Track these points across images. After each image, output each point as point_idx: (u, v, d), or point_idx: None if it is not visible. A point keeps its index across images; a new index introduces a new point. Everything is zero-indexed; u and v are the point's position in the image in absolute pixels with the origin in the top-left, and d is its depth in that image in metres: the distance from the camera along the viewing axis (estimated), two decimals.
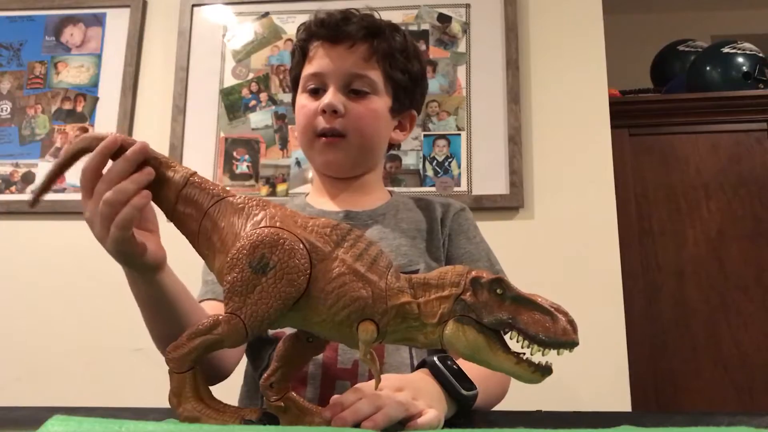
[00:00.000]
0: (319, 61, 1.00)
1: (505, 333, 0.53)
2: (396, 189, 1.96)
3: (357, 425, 0.59)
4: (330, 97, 0.97)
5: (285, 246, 0.54)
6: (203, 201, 0.60)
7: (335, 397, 0.63)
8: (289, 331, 0.90)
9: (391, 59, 1.02)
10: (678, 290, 2.05)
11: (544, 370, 0.52)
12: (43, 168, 2.13)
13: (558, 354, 0.51)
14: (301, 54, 1.04)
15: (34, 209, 2.07)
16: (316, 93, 1.00)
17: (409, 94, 1.07)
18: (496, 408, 0.93)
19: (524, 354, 0.53)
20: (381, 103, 1.02)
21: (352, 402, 0.61)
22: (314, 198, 1.09)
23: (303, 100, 1.02)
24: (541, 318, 0.51)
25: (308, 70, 1.02)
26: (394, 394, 0.65)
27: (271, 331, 0.94)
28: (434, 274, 0.56)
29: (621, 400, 1.78)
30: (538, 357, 0.52)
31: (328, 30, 1.00)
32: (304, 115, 1.01)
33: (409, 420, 0.63)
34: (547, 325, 0.51)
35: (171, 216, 0.62)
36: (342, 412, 0.60)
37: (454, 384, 0.74)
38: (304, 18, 2.28)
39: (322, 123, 0.98)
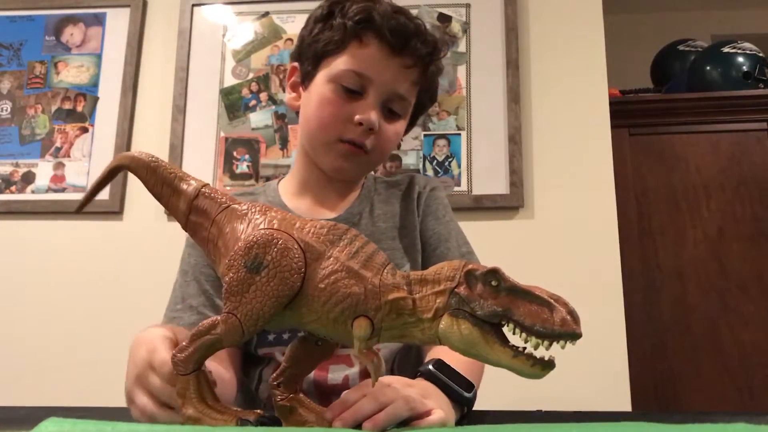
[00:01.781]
0: (369, 63, 0.89)
1: (503, 326, 0.51)
2: None
3: (359, 425, 0.58)
4: (373, 114, 0.89)
5: (279, 245, 0.55)
6: (211, 210, 0.63)
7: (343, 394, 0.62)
8: (278, 355, 0.89)
9: (430, 87, 0.98)
10: (678, 290, 2.05)
11: (545, 365, 0.50)
12: (43, 167, 2.13)
13: (561, 348, 0.49)
14: (348, 35, 0.90)
15: (36, 209, 2.08)
16: (351, 93, 0.90)
17: (422, 115, 1.04)
18: (496, 408, 0.93)
19: (524, 347, 0.50)
20: (403, 125, 0.98)
21: (355, 400, 0.60)
22: (290, 194, 1.02)
23: (331, 94, 0.91)
24: (538, 309, 0.49)
25: (351, 64, 0.90)
26: (402, 389, 0.63)
27: (261, 351, 0.93)
28: (431, 270, 0.55)
29: (621, 400, 1.78)
30: (543, 352, 0.50)
31: (396, 39, 0.89)
32: (332, 114, 0.91)
33: (415, 419, 0.61)
34: (544, 316, 0.49)
35: (185, 226, 0.65)
36: (344, 412, 0.59)
37: (455, 388, 0.72)
38: (304, 18, 2.28)
39: (352, 133, 0.90)
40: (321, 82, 0.92)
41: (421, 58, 0.91)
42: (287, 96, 1.01)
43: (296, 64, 0.99)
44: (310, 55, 0.95)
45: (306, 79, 0.96)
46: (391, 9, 0.90)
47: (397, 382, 0.65)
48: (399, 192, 1.04)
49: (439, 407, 0.64)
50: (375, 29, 0.89)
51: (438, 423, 0.62)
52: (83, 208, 0.72)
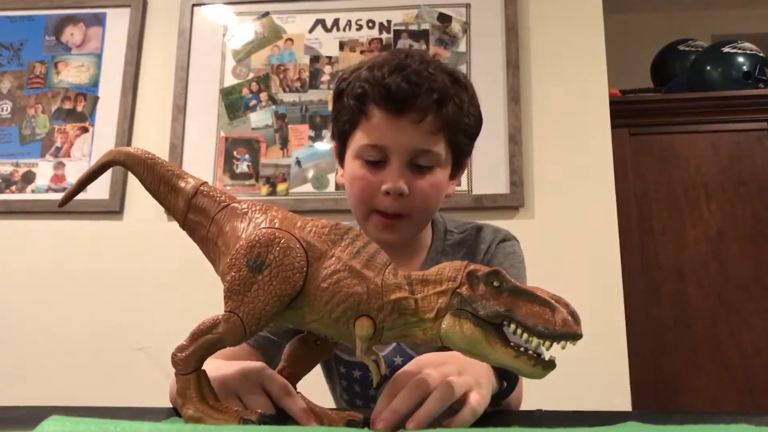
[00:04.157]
0: (380, 133, 0.91)
1: (505, 326, 0.52)
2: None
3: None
4: (395, 179, 0.90)
5: (281, 245, 0.55)
6: (211, 208, 0.63)
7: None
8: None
9: (458, 127, 0.96)
10: (678, 290, 2.05)
11: (546, 365, 0.51)
12: (43, 167, 2.13)
13: (562, 348, 0.50)
14: (354, 114, 0.93)
15: (36, 209, 2.08)
16: (375, 164, 0.92)
17: (468, 151, 1.03)
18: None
19: (525, 348, 0.51)
20: (444, 173, 0.96)
21: (389, 402, 0.57)
22: None
23: (357, 169, 0.93)
24: (540, 310, 0.50)
25: (365, 139, 0.92)
26: (439, 373, 0.60)
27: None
28: (433, 270, 0.56)
29: (621, 400, 1.78)
30: (544, 352, 0.50)
31: (393, 103, 0.89)
32: (361, 188, 0.93)
33: (460, 402, 0.58)
34: (546, 316, 0.50)
35: (183, 224, 0.65)
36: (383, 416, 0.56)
37: None
38: (304, 18, 2.30)
39: (383, 203, 0.91)
40: (349, 160, 0.95)
41: (427, 108, 0.90)
42: (337, 175, 1.03)
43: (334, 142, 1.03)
44: (337, 134, 0.99)
45: (340, 157, 1.00)
46: (387, 70, 0.90)
47: (431, 363, 0.62)
48: (465, 252, 1.02)
49: (475, 382, 0.61)
50: (375, 102, 0.91)
51: (474, 409, 0.58)
52: (67, 203, 0.70)
